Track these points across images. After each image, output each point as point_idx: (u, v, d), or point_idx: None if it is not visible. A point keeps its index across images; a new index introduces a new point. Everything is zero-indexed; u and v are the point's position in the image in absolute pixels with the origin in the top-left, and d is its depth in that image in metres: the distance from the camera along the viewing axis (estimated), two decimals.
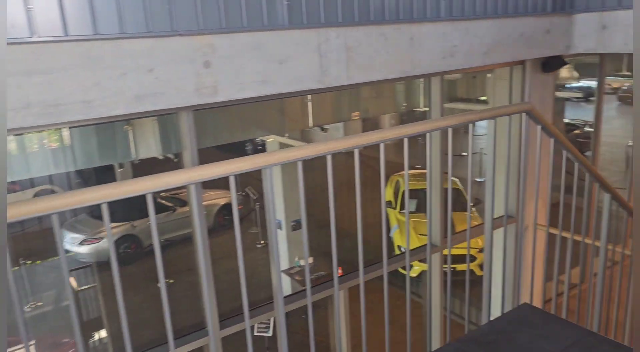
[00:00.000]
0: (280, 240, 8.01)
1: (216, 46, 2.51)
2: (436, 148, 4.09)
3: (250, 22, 2.61)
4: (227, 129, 3.51)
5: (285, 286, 8.00)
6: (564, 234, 3.04)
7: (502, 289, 2.87)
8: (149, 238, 8.80)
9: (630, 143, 12.54)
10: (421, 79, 4.17)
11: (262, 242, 9.83)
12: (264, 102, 3.09)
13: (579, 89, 17.16)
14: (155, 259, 1.56)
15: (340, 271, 7.56)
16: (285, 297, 3.62)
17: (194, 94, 2.53)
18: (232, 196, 1.66)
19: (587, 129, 14.31)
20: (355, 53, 2.99)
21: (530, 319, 2.44)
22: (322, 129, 5.91)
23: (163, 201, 9.77)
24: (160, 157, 3.88)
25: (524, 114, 2.38)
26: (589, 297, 3.17)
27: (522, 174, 2.65)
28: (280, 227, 7.94)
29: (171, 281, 8.03)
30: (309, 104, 4.60)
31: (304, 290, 2.52)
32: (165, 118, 2.92)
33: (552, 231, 2.87)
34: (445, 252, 4.44)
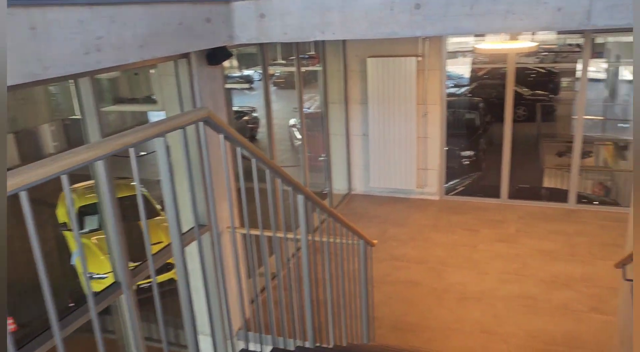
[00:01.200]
0: None
1: None
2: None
3: None
4: None
5: None
6: (259, 234, 2.79)
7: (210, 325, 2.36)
8: None
9: (292, 122, 13.94)
10: (71, 81, 3.26)
11: None
12: None
13: (241, 77, 18.26)
14: None
15: (12, 325, 5.95)
16: None
17: None
18: None
19: (254, 114, 15.34)
20: None
21: None
22: None
23: None
24: None
25: (201, 123, 1.89)
26: (297, 284, 2.99)
27: (208, 184, 2.16)
28: None
29: None
30: None
31: None
32: None
33: (250, 232, 2.57)
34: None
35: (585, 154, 7.19)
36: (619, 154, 11.25)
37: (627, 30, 3.21)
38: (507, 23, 3.34)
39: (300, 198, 2.71)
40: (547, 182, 10.07)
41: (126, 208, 3.92)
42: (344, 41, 7.28)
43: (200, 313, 4.00)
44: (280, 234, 2.87)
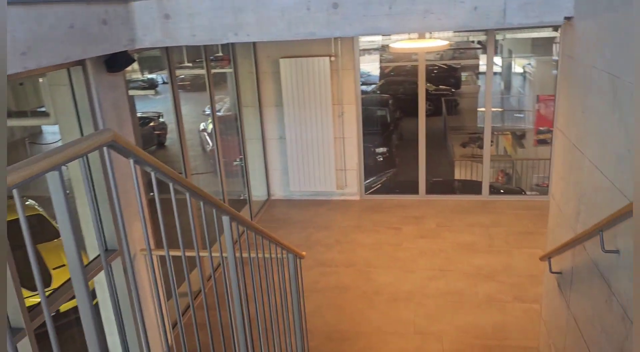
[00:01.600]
0: None
1: None
2: None
3: None
4: None
5: None
6: (179, 254, 2.50)
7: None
8: None
9: (202, 127, 13.35)
10: None
11: None
12: None
13: (144, 82, 17.28)
14: None
15: None
16: None
17: None
18: None
19: (161, 119, 14.56)
20: None
21: None
22: None
23: None
24: None
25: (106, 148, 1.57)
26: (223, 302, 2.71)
27: (117, 209, 1.84)
28: None
29: None
30: None
31: None
32: None
33: (170, 253, 2.27)
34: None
35: None
36: (517, 142, 11.98)
37: (539, 27, 3.26)
38: (425, 23, 3.27)
39: (225, 219, 2.44)
40: (458, 174, 10.47)
41: (19, 232, 3.41)
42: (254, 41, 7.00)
43: (115, 346, 3.59)
44: (204, 253, 2.60)
